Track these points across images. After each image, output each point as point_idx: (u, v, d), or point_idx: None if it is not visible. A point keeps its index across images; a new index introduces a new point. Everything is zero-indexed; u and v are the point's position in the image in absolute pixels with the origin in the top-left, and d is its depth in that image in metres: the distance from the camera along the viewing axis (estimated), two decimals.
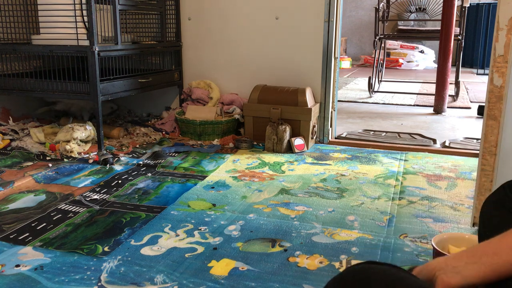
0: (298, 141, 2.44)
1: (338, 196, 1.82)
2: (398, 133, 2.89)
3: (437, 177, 2.07)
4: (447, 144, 2.62)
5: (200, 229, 1.52)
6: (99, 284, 1.19)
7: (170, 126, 2.82)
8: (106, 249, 1.37)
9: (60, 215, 1.62)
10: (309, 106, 2.48)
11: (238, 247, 1.40)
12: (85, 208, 1.68)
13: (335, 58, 2.64)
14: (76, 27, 2.21)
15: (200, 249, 1.38)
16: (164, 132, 2.77)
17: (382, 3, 4.44)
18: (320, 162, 2.28)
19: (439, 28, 3.57)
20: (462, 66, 5.40)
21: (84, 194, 1.81)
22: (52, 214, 1.63)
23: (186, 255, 1.35)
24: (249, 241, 1.43)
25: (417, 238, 1.47)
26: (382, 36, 4.38)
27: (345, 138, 2.76)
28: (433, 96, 3.72)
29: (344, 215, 1.64)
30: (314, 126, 2.58)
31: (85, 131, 2.40)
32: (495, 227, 0.96)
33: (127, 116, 3.11)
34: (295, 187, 1.91)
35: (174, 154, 2.37)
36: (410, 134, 2.86)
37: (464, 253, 0.72)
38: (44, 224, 1.54)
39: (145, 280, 1.21)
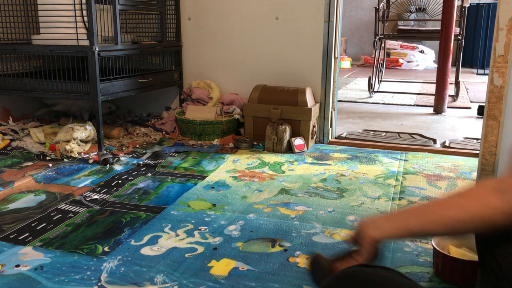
0: (298, 141, 2.44)
1: (338, 196, 1.82)
2: (398, 133, 2.89)
3: (437, 177, 2.07)
4: (447, 144, 2.62)
5: (200, 229, 1.52)
6: (99, 284, 1.19)
7: (170, 126, 2.82)
8: (106, 249, 1.37)
9: (60, 215, 1.62)
10: (309, 106, 2.48)
11: (238, 247, 1.40)
12: (85, 208, 1.68)
13: (335, 58, 2.64)
14: (76, 27, 2.21)
15: (200, 249, 1.38)
16: (164, 132, 2.77)
17: (382, 3, 4.44)
18: (320, 162, 2.28)
19: (439, 28, 3.57)
20: (462, 66, 5.39)
21: (84, 194, 1.81)
22: (52, 214, 1.63)
23: (186, 255, 1.35)
24: (249, 241, 1.43)
25: None
26: (382, 36, 4.38)
27: (345, 138, 2.76)
28: (433, 96, 3.72)
29: (344, 215, 1.64)
30: (314, 126, 2.58)
31: (85, 131, 2.40)
32: None
33: (127, 116, 3.11)
34: (295, 187, 1.91)
35: (174, 154, 2.37)
36: (410, 134, 2.86)
37: (391, 214, 0.88)
38: (44, 224, 1.54)
39: (145, 280, 1.21)
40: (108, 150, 2.37)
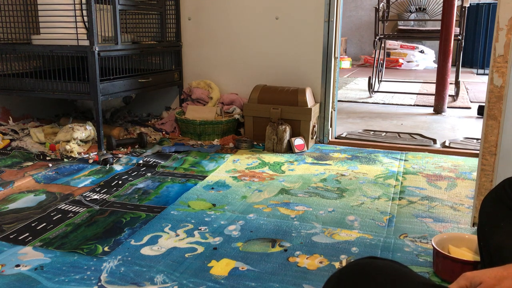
0: (298, 141, 2.44)
1: (338, 196, 1.82)
2: (398, 133, 2.89)
3: (437, 177, 2.07)
4: (447, 144, 2.62)
5: (200, 229, 1.52)
6: (99, 284, 1.19)
7: (170, 126, 2.82)
8: (106, 249, 1.37)
9: (60, 215, 1.61)
10: (309, 106, 2.48)
11: (238, 247, 1.39)
12: (85, 208, 1.68)
13: (335, 58, 2.64)
14: (76, 27, 2.21)
15: (200, 249, 1.38)
16: (164, 132, 2.77)
17: (382, 3, 4.44)
18: (320, 162, 2.28)
19: (439, 28, 3.57)
20: (462, 66, 5.40)
21: (84, 194, 1.81)
22: (52, 214, 1.63)
23: (186, 255, 1.35)
24: (249, 241, 1.43)
25: (417, 238, 1.47)
26: (382, 36, 4.38)
27: (345, 138, 2.75)
28: (433, 96, 3.72)
29: (344, 215, 1.64)
30: (314, 126, 2.58)
31: (85, 131, 2.40)
32: (494, 223, 0.97)
33: (127, 116, 3.11)
34: (295, 187, 1.91)
35: (174, 154, 2.36)
36: (410, 134, 2.86)
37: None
38: (44, 224, 1.54)
39: (145, 280, 1.21)
40: (108, 150, 2.36)
